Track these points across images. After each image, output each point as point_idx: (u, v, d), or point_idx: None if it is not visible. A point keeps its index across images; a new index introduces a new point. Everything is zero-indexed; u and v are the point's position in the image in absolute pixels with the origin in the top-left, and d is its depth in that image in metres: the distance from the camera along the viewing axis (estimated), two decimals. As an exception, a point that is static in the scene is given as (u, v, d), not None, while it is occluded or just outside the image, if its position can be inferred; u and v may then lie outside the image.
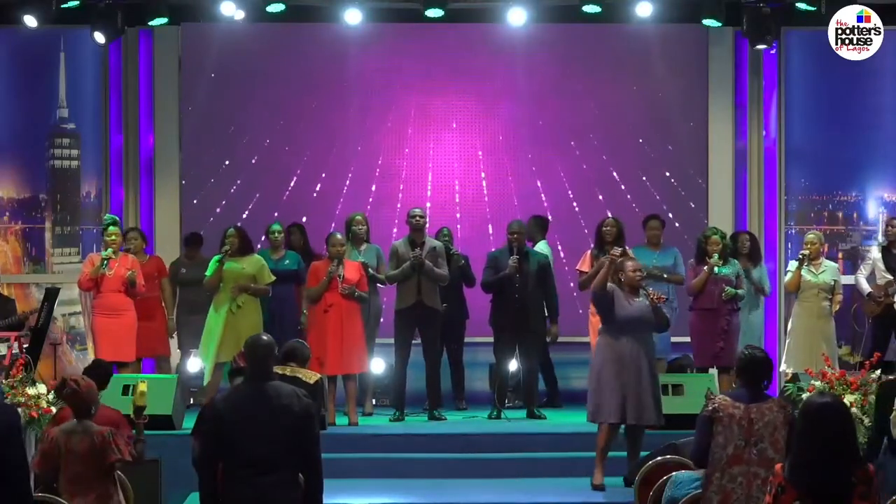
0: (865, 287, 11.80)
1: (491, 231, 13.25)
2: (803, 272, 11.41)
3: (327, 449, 7.26)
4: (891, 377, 8.64)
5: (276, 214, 12.76)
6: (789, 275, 11.57)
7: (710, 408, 6.53)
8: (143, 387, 7.03)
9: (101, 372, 7.93)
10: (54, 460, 6.74)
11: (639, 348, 9.19)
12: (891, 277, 11.72)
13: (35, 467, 6.82)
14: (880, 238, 12.45)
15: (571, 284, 12.42)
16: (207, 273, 11.18)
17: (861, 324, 12.09)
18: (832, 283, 11.45)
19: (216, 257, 11.17)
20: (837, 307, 11.46)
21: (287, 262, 11.62)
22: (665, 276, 11.49)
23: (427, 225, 11.51)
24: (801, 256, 11.49)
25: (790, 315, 11.77)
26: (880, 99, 13.19)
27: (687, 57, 13.47)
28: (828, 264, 11.62)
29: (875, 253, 11.96)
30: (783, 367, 11.61)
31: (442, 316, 11.39)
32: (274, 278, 11.24)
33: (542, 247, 11.98)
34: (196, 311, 11.65)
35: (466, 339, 12.10)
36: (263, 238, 12.01)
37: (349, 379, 10.93)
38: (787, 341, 11.61)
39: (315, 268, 11.01)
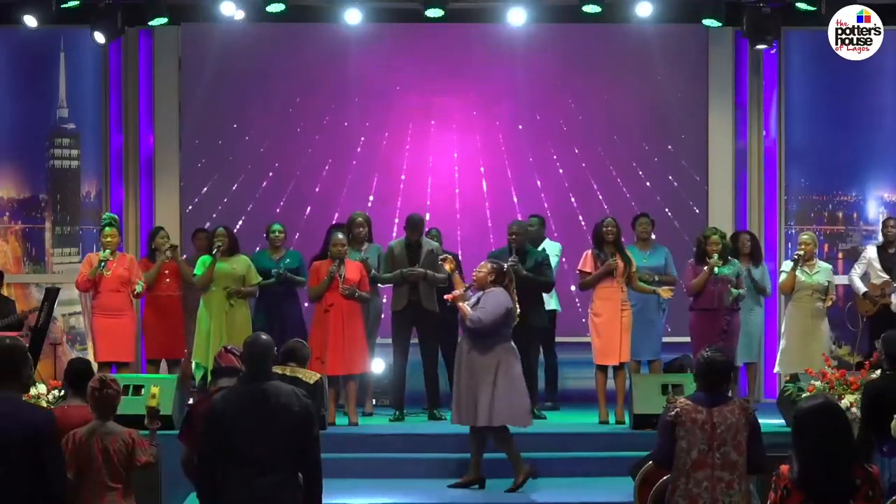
0: (860, 286, 11.81)
1: (491, 231, 13.24)
2: (797, 273, 11.42)
3: (327, 449, 7.26)
4: (874, 376, 8.65)
5: (278, 211, 12.77)
6: (784, 275, 11.58)
7: (673, 412, 6.51)
8: (154, 390, 7.01)
9: (79, 369, 7.86)
10: (80, 461, 6.69)
11: (463, 349, 9.26)
12: (887, 277, 11.73)
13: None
14: (880, 238, 12.45)
15: (572, 286, 12.42)
16: (197, 272, 11.19)
17: (854, 323, 12.09)
18: (826, 283, 11.46)
19: (205, 257, 11.20)
20: (830, 303, 11.47)
21: (287, 261, 11.61)
22: (657, 277, 11.46)
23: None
24: (795, 257, 11.51)
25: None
26: (880, 99, 13.19)
27: (687, 57, 13.47)
28: (822, 265, 11.63)
29: (871, 252, 11.96)
30: (777, 368, 11.63)
31: (438, 316, 11.37)
32: (260, 279, 11.26)
33: (549, 244, 11.99)
34: None
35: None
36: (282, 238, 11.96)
37: (349, 379, 10.93)
38: (781, 343, 11.61)
39: (316, 267, 11.01)
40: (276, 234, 11.67)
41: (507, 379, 9.13)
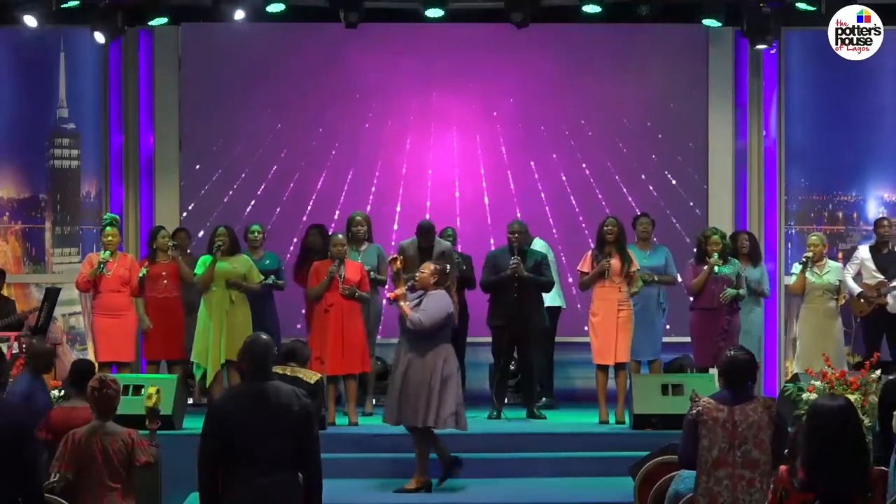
0: (855, 287, 11.77)
1: (491, 231, 13.24)
2: (807, 274, 11.41)
3: (327, 449, 7.26)
4: (873, 376, 8.67)
5: (278, 211, 12.76)
6: (794, 277, 11.58)
7: (694, 410, 6.53)
8: (152, 390, 7.01)
9: (83, 370, 7.86)
10: (80, 461, 6.68)
11: (403, 349, 9.26)
12: (881, 277, 11.72)
13: (61, 469, 6.72)
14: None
15: (571, 282, 12.43)
16: (197, 271, 11.18)
17: (847, 323, 12.07)
18: (837, 283, 11.46)
19: (205, 257, 11.18)
20: (843, 301, 11.48)
21: (267, 262, 11.63)
22: (656, 278, 11.47)
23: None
24: (804, 259, 11.50)
25: (791, 316, 11.77)
26: (880, 99, 13.19)
27: (687, 57, 13.47)
28: (831, 265, 11.63)
29: (864, 252, 11.93)
30: (794, 370, 11.60)
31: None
32: (263, 277, 11.26)
33: (538, 244, 11.99)
34: None
35: (467, 339, 12.09)
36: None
37: (349, 379, 10.94)
38: (797, 344, 11.59)
39: (316, 268, 11.01)
40: (255, 234, 11.71)
41: (443, 381, 9.14)
